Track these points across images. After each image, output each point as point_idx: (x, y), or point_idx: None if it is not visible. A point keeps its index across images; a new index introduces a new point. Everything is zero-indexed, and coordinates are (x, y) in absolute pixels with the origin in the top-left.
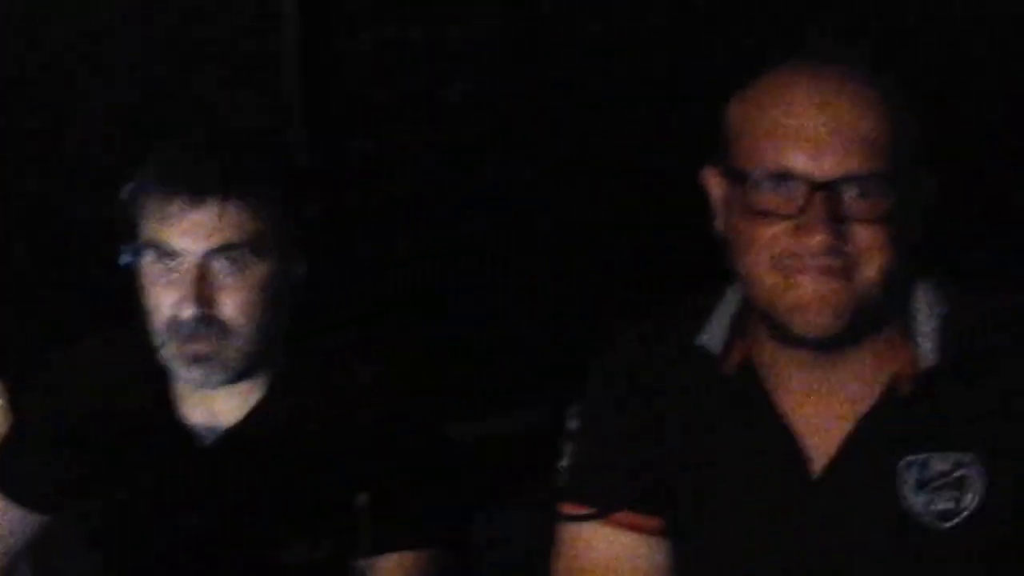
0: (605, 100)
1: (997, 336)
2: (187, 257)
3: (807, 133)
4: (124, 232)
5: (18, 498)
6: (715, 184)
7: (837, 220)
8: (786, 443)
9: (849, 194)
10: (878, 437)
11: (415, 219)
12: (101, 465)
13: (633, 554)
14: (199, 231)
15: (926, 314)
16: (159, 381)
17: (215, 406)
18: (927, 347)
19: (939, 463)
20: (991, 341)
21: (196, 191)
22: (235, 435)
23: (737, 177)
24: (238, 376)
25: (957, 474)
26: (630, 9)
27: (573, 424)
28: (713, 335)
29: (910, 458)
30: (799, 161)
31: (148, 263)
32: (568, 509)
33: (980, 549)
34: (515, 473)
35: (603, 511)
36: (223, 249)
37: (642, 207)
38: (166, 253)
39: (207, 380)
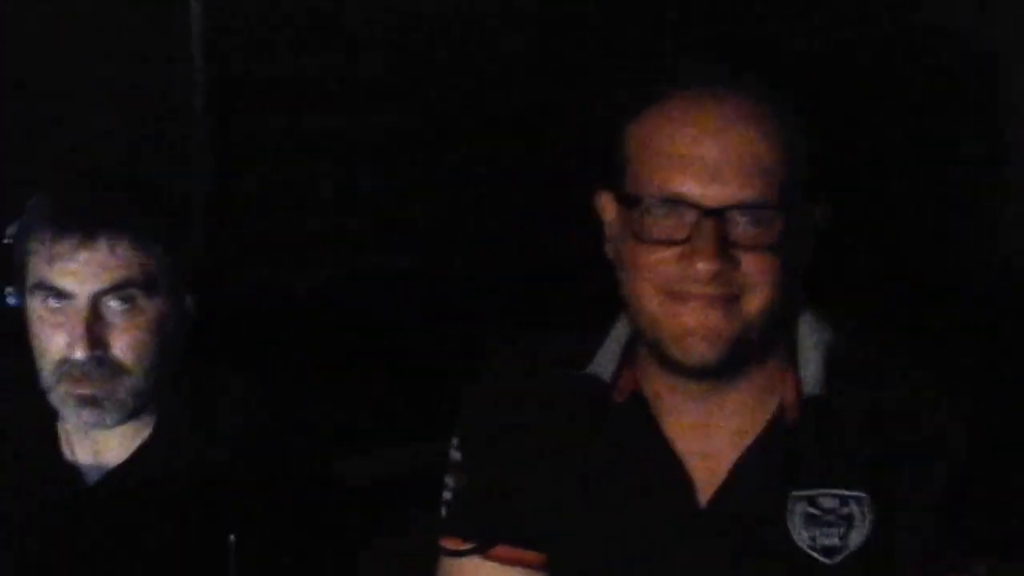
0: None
1: (881, 371)
2: (78, 298)
3: (699, 160)
4: (10, 272)
5: None
6: (608, 209)
7: (725, 247)
8: (674, 472)
9: (739, 222)
10: (764, 468)
11: (306, 253)
12: None
13: None
14: (89, 271)
15: (809, 343)
16: (46, 421)
17: (101, 445)
18: (811, 376)
19: (827, 500)
20: (876, 377)
21: (86, 230)
22: (120, 475)
23: (629, 202)
24: (129, 416)
25: (844, 512)
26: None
27: (455, 455)
28: (603, 364)
29: (798, 493)
30: (690, 187)
31: (37, 304)
32: (447, 543)
33: None
34: (409, 510)
35: (482, 545)
36: (114, 289)
37: (535, 239)
38: (56, 294)
39: (100, 421)
